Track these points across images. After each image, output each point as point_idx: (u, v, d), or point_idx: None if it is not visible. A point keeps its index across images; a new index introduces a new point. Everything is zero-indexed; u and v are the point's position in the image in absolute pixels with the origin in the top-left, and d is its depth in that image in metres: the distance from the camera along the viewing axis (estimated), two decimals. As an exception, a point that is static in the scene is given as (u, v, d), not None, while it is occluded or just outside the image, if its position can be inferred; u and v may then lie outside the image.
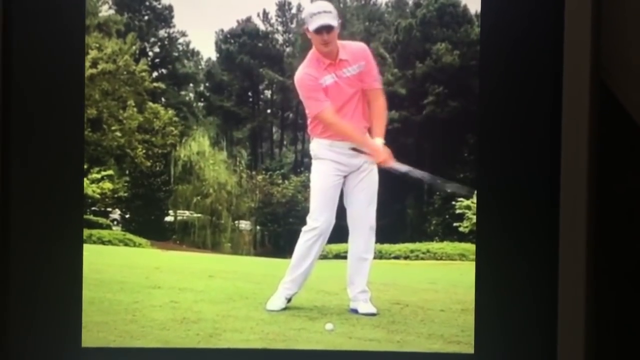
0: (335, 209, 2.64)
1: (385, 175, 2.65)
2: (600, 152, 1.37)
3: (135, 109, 3.09)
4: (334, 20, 2.50)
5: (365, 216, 2.59)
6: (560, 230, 1.37)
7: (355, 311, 2.50)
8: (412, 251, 2.94)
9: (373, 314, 2.47)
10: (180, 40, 3.12)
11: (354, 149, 2.63)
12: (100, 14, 2.93)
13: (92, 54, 2.92)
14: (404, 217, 2.95)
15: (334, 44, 2.55)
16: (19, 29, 1.47)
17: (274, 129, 3.25)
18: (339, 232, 2.77)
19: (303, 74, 2.62)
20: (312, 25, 2.52)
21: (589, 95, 1.35)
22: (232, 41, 3.10)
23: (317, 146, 2.67)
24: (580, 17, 1.35)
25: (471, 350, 1.93)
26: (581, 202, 1.36)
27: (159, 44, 3.12)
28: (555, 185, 1.37)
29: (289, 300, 2.55)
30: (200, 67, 3.18)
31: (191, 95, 3.21)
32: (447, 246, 2.94)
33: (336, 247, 2.89)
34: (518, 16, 1.40)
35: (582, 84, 1.35)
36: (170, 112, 3.14)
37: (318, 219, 2.61)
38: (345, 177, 2.64)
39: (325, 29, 2.51)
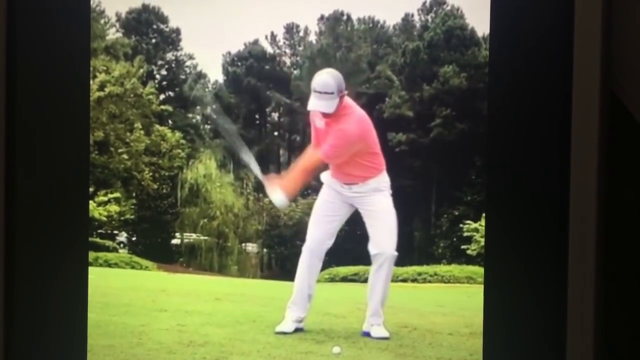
0: (328, 229, 2.60)
1: (392, 199, 2.64)
2: (610, 164, 1.35)
3: (142, 132, 3.10)
4: (329, 105, 2.47)
5: (376, 243, 2.57)
6: (569, 248, 1.35)
7: (367, 334, 2.48)
8: (419, 274, 2.93)
9: (385, 338, 2.45)
10: (188, 63, 3.14)
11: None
12: (107, 37, 2.95)
13: (100, 77, 2.93)
14: (412, 240, 2.94)
15: (332, 115, 2.51)
16: (24, 51, 1.47)
17: (281, 152, 3.25)
18: (346, 256, 2.76)
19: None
20: (309, 105, 2.51)
21: (598, 106, 1.34)
22: (239, 64, 3.11)
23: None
24: (590, 31, 1.34)
25: (480, 375, 1.91)
26: (591, 219, 1.34)
27: (167, 66, 3.13)
28: (565, 205, 1.36)
29: (299, 323, 2.53)
30: (207, 89, 3.19)
31: (198, 117, 3.22)
32: (455, 269, 2.93)
33: (343, 270, 2.88)
34: (527, 32, 1.39)
35: (592, 97, 1.34)
36: (177, 134, 3.15)
37: (308, 237, 2.60)
38: (351, 205, 2.62)
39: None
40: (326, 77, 2.47)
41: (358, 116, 2.50)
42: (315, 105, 2.46)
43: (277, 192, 2.57)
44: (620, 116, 1.39)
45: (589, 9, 1.34)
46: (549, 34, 1.37)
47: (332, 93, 2.45)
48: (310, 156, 2.56)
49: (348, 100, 2.49)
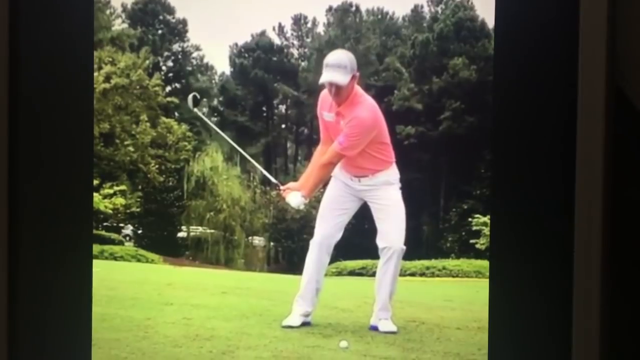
0: (336, 223, 2.58)
1: (401, 192, 2.63)
2: (615, 158, 1.33)
3: (148, 124, 3.09)
4: (343, 78, 2.44)
5: (384, 237, 2.55)
6: (575, 242, 1.33)
7: (375, 328, 2.47)
8: (427, 268, 2.91)
9: (392, 332, 2.43)
10: (194, 55, 3.13)
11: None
12: (113, 28, 2.95)
13: (106, 68, 2.93)
14: (420, 233, 2.93)
15: (344, 97, 2.47)
16: (27, 45, 1.45)
17: (289, 144, 3.24)
18: (353, 249, 2.74)
19: (319, 97, 2.59)
20: (322, 78, 2.47)
21: (604, 101, 1.31)
22: (247, 55, 3.10)
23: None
24: (596, 25, 1.32)
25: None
26: (596, 212, 1.32)
27: (173, 58, 3.13)
28: (570, 200, 1.34)
29: (306, 317, 2.51)
30: (214, 81, 3.18)
31: (205, 110, 3.21)
32: (463, 263, 2.92)
33: (351, 264, 2.86)
34: (532, 28, 1.37)
35: (598, 90, 1.32)
36: (184, 126, 3.14)
37: (316, 230, 2.57)
38: (360, 198, 2.59)
39: (334, 85, 2.47)
40: (339, 53, 2.46)
41: (370, 104, 2.48)
42: (329, 76, 2.43)
43: (296, 195, 2.55)
44: (627, 111, 1.38)
45: (595, 4, 1.32)
46: (554, 29, 1.35)
47: (345, 67, 2.43)
48: (323, 153, 2.53)
49: (359, 88, 2.47)
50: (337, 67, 2.40)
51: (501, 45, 1.38)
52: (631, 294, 1.44)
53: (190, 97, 2.69)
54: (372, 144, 2.45)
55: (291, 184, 2.52)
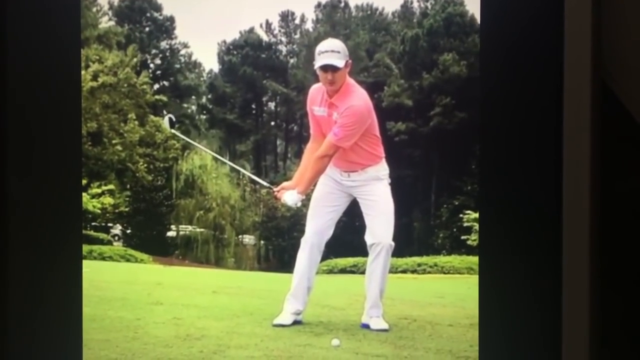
0: (327, 220, 2.57)
1: (391, 189, 2.62)
2: (602, 152, 1.33)
3: (136, 122, 3.07)
4: (339, 61, 2.46)
5: (373, 233, 2.55)
6: (564, 238, 1.33)
7: (366, 326, 2.46)
8: (419, 265, 2.90)
9: (384, 330, 2.43)
10: (182, 52, 3.12)
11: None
12: (100, 26, 2.93)
13: (93, 66, 2.91)
14: (411, 230, 2.92)
15: (339, 84, 2.49)
16: (14, 44, 1.44)
17: (278, 142, 3.23)
18: (345, 247, 2.73)
19: (308, 93, 2.59)
20: (317, 64, 2.49)
21: (590, 96, 1.31)
22: (235, 52, 3.09)
23: None
24: (581, 19, 1.32)
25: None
26: (584, 204, 1.32)
27: (161, 55, 3.11)
28: (558, 194, 1.33)
29: (297, 315, 2.51)
30: (202, 79, 3.17)
31: (193, 107, 3.20)
32: (455, 260, 2.91)
33: (342, 262, 2.85)
34: (517, 22, 1.37)
35: (583, 84, 1.32)
36: (172, 125, 3.14)
37: (307, 228, 2.57)
38: (349, 194, 2.59)
39: (330, 68, 2.47)
40: (330, 40, 2.49)
41: (362, 93, 2.48)
42: (325, 60, 2.44)
43: (292, 194, 2.54)
44: (612, 105, 1.38)
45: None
46: (540, 25, 1.35)
47: (339, 52, 2.44)
48: (314, 149, 2.52)
49: (350, 79, 2.47)
50: (331, 52, 2.43)
51: (487, 40, 1.38)
52: (620, 288, 1.44)
53: (166, 119, 2.70)
54: (364, 136, 2.45)
55: (285, 184, 2.52)
